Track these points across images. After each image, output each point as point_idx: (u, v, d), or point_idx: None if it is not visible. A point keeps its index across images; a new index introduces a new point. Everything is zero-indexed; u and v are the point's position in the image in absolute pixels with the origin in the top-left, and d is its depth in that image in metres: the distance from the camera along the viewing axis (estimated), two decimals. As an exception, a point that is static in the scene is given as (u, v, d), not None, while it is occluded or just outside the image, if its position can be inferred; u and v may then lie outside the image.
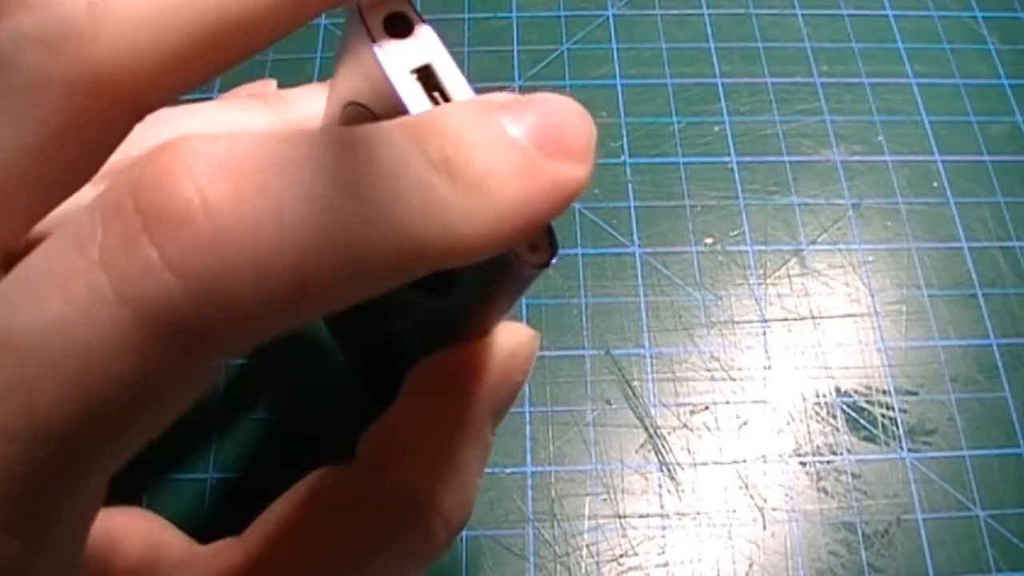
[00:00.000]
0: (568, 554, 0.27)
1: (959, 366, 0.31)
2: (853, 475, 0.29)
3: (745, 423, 0.29)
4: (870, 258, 0.33)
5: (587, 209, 0.33)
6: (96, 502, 0.12)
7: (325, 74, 0.30)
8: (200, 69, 0.13)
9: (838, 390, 0.30)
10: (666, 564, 0.27)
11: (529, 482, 0.28)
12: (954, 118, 0.36)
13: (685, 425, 0.29)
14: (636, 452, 0.29)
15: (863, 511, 0.28)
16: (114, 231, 0.10)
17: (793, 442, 0.29)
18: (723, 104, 0.36)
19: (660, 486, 0.28)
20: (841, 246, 0.33)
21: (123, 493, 0.17)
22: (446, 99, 0.14)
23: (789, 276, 0.32)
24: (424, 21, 0.14)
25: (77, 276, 0.10)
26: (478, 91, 0.14)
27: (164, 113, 0.13)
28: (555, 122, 0.12)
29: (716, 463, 0.29)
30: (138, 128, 0.12)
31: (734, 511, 0.28)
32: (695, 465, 0.29)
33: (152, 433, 0.11)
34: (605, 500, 0.28)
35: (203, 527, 0.22)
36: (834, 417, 0.30)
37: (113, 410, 0.10)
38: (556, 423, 0.29)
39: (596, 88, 0.36)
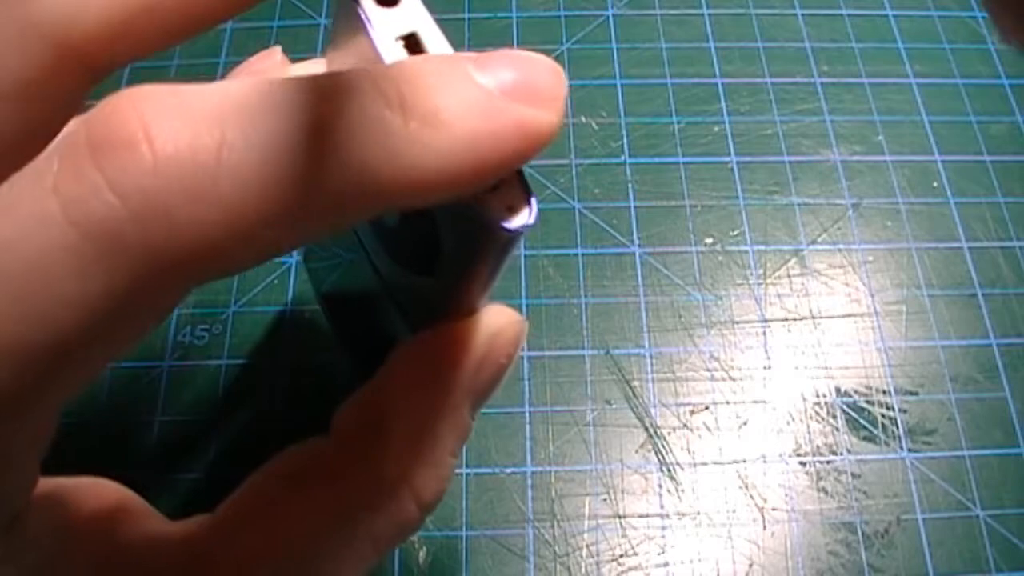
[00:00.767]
0: (568, 554, 0.27)
1: (959, 366, 0.30)
2: (853, 475, 0.29)
3: (745, 423, 0.29)
4: (870, 258, 0.33)
5: (587, 209, 0.33)
6: (45, 432, 0.12)
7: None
8: (154, 31, 0.13)
9: (838, 390, 0.30)
10: (666, 564, 0.27)
11: (529, 482, 0.28)
12: (954, 118, 0.36)
13: (685, 425, 0.29)
14: (636, 452, 0.29)
15: (863, 511, 0.28)
16: (67, 163, 0.11)
17: (793, 442, 0.29)
18: (723, 104, 0.36)
19: (660, 486, 0.28)
20: (841, 246, 0.33)
21: (123, 493, 0.17)
22: None
23: (789, 276, 0.32)
24: None
25: (28, 200, 0.10)
26: None
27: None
28: (524, 73, 0.12)
29: (716, 463, 0.29)
30: None
31: (734, 511, 0.28)
32: (695, 465, 0.29)
33: (103, 360, 0.12)
34: (605, 500, 0.28)
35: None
36: (834, 417, 0.30)
37: (63, 329, 0.10)
38: (556, 423, 0.29)
39: (596, 88, 0.36)
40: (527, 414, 0.29)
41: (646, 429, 0.29)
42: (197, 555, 0.15)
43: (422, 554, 0.27)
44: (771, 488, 0.28)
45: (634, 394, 0.30)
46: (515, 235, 0.14)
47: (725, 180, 0.34)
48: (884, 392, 0.30)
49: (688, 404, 0.29)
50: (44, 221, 0.10)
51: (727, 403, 0.30)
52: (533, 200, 0.14)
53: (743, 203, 0.34)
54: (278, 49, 0.19)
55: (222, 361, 0.29)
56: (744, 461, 0.29)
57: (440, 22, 0.14)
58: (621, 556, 0.27)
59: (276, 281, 0.31)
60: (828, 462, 0.29)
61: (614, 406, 0.29)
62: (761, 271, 0.32)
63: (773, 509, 0.28)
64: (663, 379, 0.30)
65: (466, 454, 0.28)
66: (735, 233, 0.33)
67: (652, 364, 0.30)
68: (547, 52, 0.37)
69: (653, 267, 0.32)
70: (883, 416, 0.30)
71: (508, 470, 0.28)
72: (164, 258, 0.11)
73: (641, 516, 0.28)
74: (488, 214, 0.13)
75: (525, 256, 0.32)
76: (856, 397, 0.30)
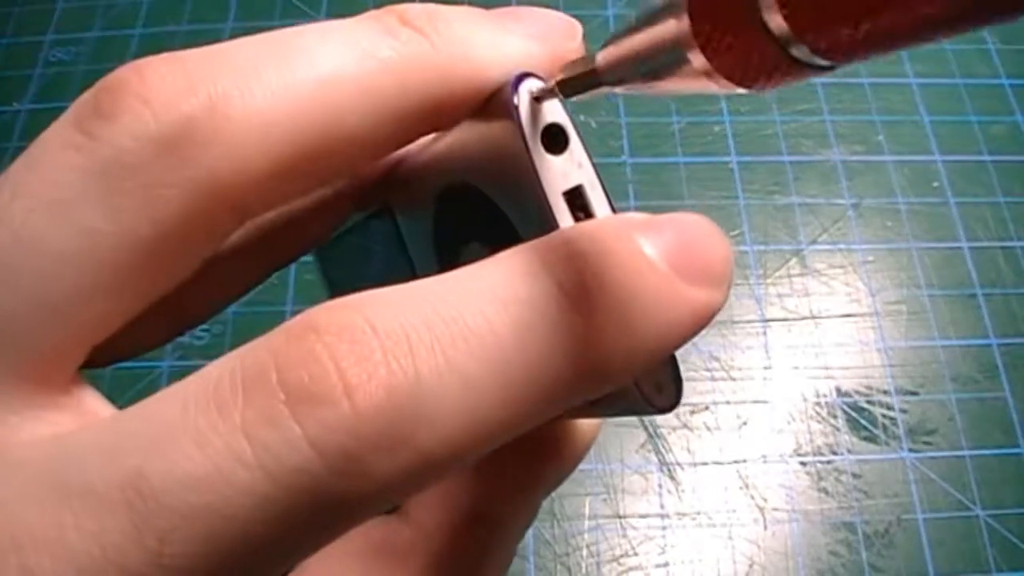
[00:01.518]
0: (568, 554, 0.27)
1: (959, 366, 0.30)
2: (853, 475, 0.29)
3: (745, 423, 0.29)
4: (870, 258, 0.33)
5: (587, 209, 0.33)
6: None
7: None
8: (305, 181, 0.13)
9: (838, 390, 0.30)
10: (666, 564, 0.27)
11: (529, 482, 0.28)
12: (954, 118, 0.36)
13: (685, 425, 0.29)
14: (636, 452, 0.29)
15: (863, 511, 0.28)
16: (256, 402, 0.10)
17: (793, 442, 0.29)
18: (723, 104, 0.36)
19: (660, 486, 0.28)
20: (841, 246, 0.33)
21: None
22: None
23: (789, 276, 0.32)
24: (578, 132, 0.13)
25: (217, 437, 0.10)
26: None
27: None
28: (694, 243, 0.12)
29: (716, 463, 0.29)
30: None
31: (734, 511, 0.28)
32: (695, 465, 0.29)
33: None
34: (605, 500, 0.28)
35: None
36: (834, 417, 0.30)
37: (240, 567, 0.10)
38: (556, 423, 0.29)
39: (596, 88, 0.36)
40: (527, 414, 0.29)
41: (646, 429, 0.29)
42: None
43: (422, 554, 0.27)
44: (771, 488, 0.28)
45: (634, 394, 0.30)
46: (659, 413, 0.14)
47: (725, 180, 0.34)
48: (884, 392, 0.30)
49: (688, 404, 0.29)
50: (238, 464, 0.10)
51: (727, 403, 0.30)
52: (681, 382, 0.13)
53: (743, 203, 0.34)
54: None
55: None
56: (744, 461, 0.29)
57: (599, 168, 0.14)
58: (621, 556, 0.27)
59: (276, 281, 0.31)
60: (828, 462, 0.29)
61: (614, 406, 0.29)
62: (761, 271, 0.32)
63: (773, 509, 0.28)
64: (663, 379, 0.30)
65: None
66: (735, 233, 0.33)
67: (652, 364, 0.30)
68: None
69: (653, 267, 0.32)
70: (883, 416, 0.30)
71: (508, 470, 0.28)
72: (355, 503, 0.11)
73: (641, 516, 0.28)
74: (640, 393, 0.13)
75: (525, 256, 0.32)
76: (856, 397, 0.30)
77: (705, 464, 0.29)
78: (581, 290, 0.11)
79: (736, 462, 0.29)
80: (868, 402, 0.30)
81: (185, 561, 0.10)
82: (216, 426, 0.10)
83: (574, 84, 0.12)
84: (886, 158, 0.35)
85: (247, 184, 0.12)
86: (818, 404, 0.30)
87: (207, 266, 0.12)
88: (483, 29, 0.13)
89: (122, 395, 0.29)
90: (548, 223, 0.13)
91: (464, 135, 0.15)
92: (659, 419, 0.29)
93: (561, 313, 0.11)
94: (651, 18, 0.10)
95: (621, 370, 0.11)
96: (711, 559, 0.27)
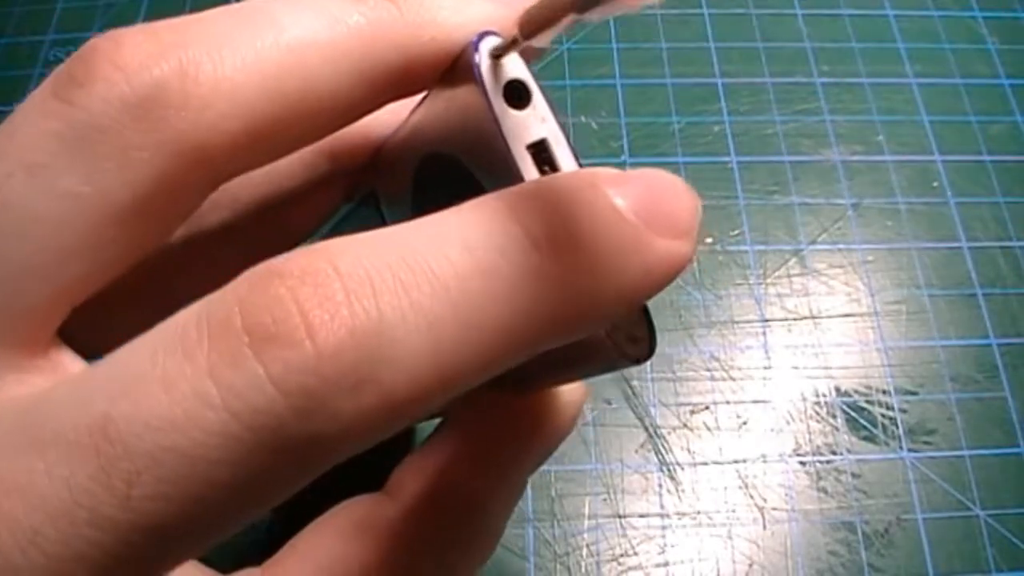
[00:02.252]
0: (568, 554, 0.27)
1: (959, 366, 0.30)
2: (853, 475, 0.29)
3: (745, 423, 0.29)
4: (870, 258, 0.33)
5: (587, 209, 0.33)
6: None
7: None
8: (276, 145, 0.13)
9: (838, 390, 0.30)
10: (666, 564, 0.27)
11: (529, 482, 0.28)
12: (954, 118, 0.36)
13: (685, 425, 0.29)
14: (636, 452, 0.29)
15: (863, 511, 0.28)
16: (221, 345, 0.10)
17: (793, 442, 0.29)
18: (723, 104, 0.36)
19: (660, 486, 0.28)
20: (841, 246, 0.33)
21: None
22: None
23: (789, 276, 0.32)
24: (540, 88, 0.14)
25: (183, 380, 0.10)
26: None
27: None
28: (661, 196, 0.12)
29: (716, 463, 0.29)
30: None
31: (734, 511, 0.28)
32: (695, 465, 0.29)
33: (237, 529, 0.11)
34: (605, 500, 0.28)
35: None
36: (834, 417, 0.30)
37: (208, 510, 0.10)
38: (556, 423, 0.29)
39: (596, 88, 0.36)
40: (527, 414, 0.29)
41: (646, 429, 0.29)
42: None
43: (422, 554, 0.27)
44: (771, 488, 0.28)
45: (634, 394, 0.30)
46: (635, 365, 0.14)
47: (725, 180, 0.34)
48: (884, 392, 0.30)
49: (688, 404, 0.29)
50: (204, 406, 0.10)
51: (727, 403, 0.30)
52: (654, 333, 0.14)
53: (743, 203, 0.34)
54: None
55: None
56: (744, 461, 0.29)
57: (565, 125, 0.14)
58: (621, 556, 0.27)
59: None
60: (828, 462, 0.29)
61: (614, 406, 0.29)
62: (761, 271, 0.32)
63: (773, 509, 0.28)
64: (663, 379, 0.30)
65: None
66: (735, 233, 0.33)
67: (652, 364, 0.30)
68: (547, 52, 0.37)
69: (653, 267, 0.32)
70: (883, 416, 0.30)
71: (508, 470, 0.28)
72: (321, 444, 0.11)
73: (641, 516, 0.28)
74: (613, 344, 0.13)
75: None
76: (856, 397, 0.30)
77: (705, 464, 0.29)
78: (548, 237, 0.11)
79: (736, 462, 0.29)
80: (868, 402, 0.30)
81: (153, 503, 0.10)
82: (182, 370, 0.10)
83: (536, 21, 0.12)
84: (886, 158, 0.35)
85: (219, 146, 0.12)
86: (818, 404, 0.30)
87: (198, 258, 0.12)
88: None
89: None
90: (513, 176, 0.13)
91: (433, 105, 0.15)
92: (659, 419, 0.29)
93: (527, 258, 0.11)
94: None
95: (589, 316, 0.11)
96: (711, 559, 0.27)
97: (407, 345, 0.11)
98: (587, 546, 0.27)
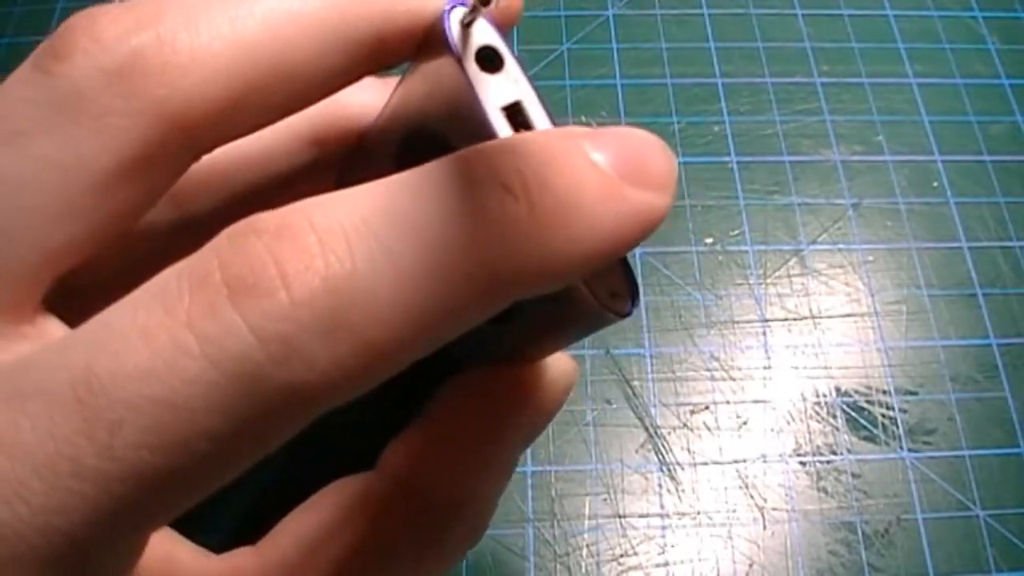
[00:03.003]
0: (568, 554, 0.27)
1: (959, 366, 0.31)
2: (853, 475, 0.29)
3: (745, 423, 0.29)
4: (870, 258, 0.33)
5: (587, 209, 0.33)
6: (144, 544, 0.13)
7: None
8: (254, 115, 0.13)
9: (838, 390, 0.30)
10: (666, 564, 0.27)
11: (529, 482, 0.28)
12: (954, 118, 0.36)
13: (685, 425, 0.29)
14: (636, 452, 0.29)
15: (863, 511, 0.28)
16: (200, 298, 0.11)
17: (793, 442, 0.29)
18: (723, 104, 0.36)
19: (660, 486, 0.28)
20: (841, 246, 0.33)
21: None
22: None
23: (789, 276, 0.32)
24: (512, 54, 0.14)
25: (163, 331, 0.11)
26: None
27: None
28: (637, 151, 0.12)
29: (716, 463, 0.29)
30: None
31: (734, 511, 0.28)
32: (695, 465, 0.29)
33: (220, 484, 0.12)
34: (605, 500, 0.28)
35: (216, 538, 0.21)
36: (834, 417, 0.30)
37: (190, 461, 0.11)
38: (556, 423, 0.29)
39: (596, 88, 0.36)
40: (527, 414, 0.29)
41: (646, 429, 0.29)
42: None
43: (422, 554, 0.27)
44: (771, 488, 0.28)
45: (634, 394, 0.30)
46: (617, 320, 0.14)
47: (725, 180, 0.34)
48: (884, 392, 0.30)
49: (688, 404, 0.29)
50: (183, 355, 0.10)
51: (727, 403, 0.30)
52: (636, 286, 0.14)
53: (743, 203, 0.34)
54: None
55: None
56: (744, 461, 0.29)
57: (539, 89, 0.14)
58: (621, 556, 0.27)
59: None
60: (828, 462, 0.29)
61: (614, 406, 0.29)
62: (761, 271, 0.32)
63: (773, 509, 0.28)
64: (663, 379, 0.30)
65: (466, 454, 0.28)
66: (735, 233, 0.33)
67: (652, 364, 0.30)
68: (547, 52, 0.37)
69: (653, 267, 0.32)
70: (883, 416, 0.30)
71: (508, 470, 0.28)
72: (300, 393, 0.11)
73: (641, 516, 0.28)
74: (595, 299, 0.13)
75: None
76: (856, 397, 0.30)
77: (705, 464, 0.29)
78: (522, 187, 0.11)
79: (736, 462, 0.29)
80: (868, 402, 0.30)
81: (136, 452, 0.10)
82: (162, 322, 0.11)
83: None
84: (886, 158, 0.35)
85: (197, 114, 0.12)
86: (818, 404, 0.30)
87: (187, 245, 0.13)
88: None
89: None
90: (490, 138, 0.13)
91: (411, 82, 0.15)
92: (659, 419, 0.29)
93: (501, 206, 0.11)
94: None
95: (563, 265, 0.12)
96: (711, 559, 0.27)
97: (379, 293, 0.11)
98: (587, 546, 0.27)
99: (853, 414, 0.30)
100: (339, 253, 0.11)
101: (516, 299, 0.12)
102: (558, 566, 0.27)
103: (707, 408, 0.29)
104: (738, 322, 0.31)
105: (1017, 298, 0.32)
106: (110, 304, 0.12)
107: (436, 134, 0.14)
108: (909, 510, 0.28)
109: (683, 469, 0.28)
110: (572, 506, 0.28)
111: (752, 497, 0.28)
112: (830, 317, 0.31)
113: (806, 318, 0.31)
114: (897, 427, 0.29)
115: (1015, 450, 0.29)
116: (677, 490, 0.28)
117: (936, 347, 0.31)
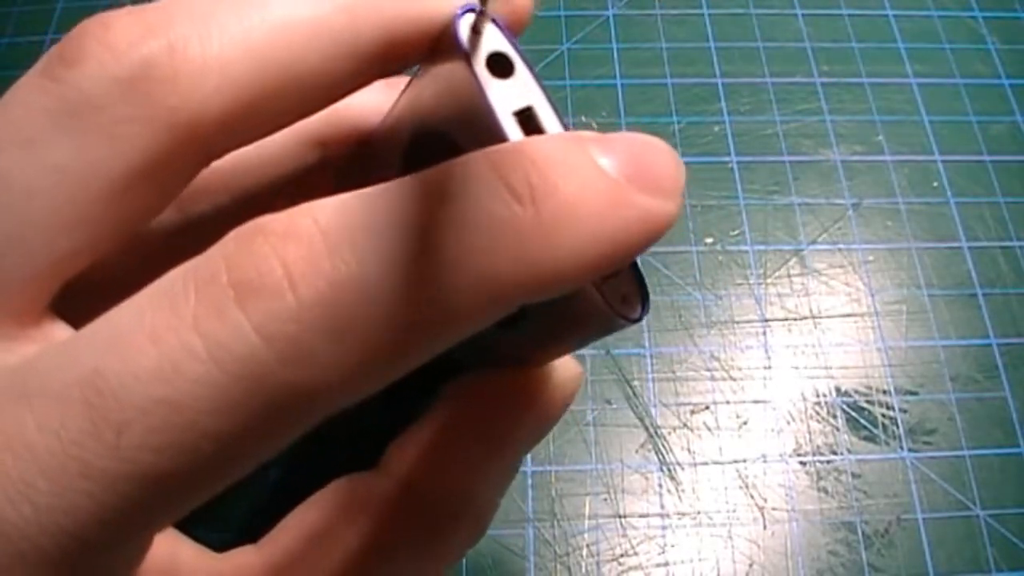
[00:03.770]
0: (568, 554, 0.27)
1: (959, 366, 0.31)
2: (853, 475, 0.29)
3: (745, 423, 0.29)
4: (870, 258, 0.33)
5: (587, 209, 0.33)
6: (149, 544, 0.13)
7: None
8: (265, 121, 0.13)
9: (838, 390, 0.30)
10: (666, 564, 0.27)
11: (529, 482, 0.28)
12: (954, 118, 0.36)
13: (685, 425, 0.29)
14: (636, 452, 0.29)
15: (863, 511, 0.28)
16: (207, 300, 0.11)
17: (793, 442, 0.29)
18: (723, 104, 0.36)
19: (660, 486, 0.28)
20: (841, 246, 0.33)
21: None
22: None
23: (789, 276, 0.32)
24: (524, 59, 0.14)
25: (170, 333, 0.11)
26: None
27: None
28: (645, 156, 0.12)
29: (716, 463, 0.29)
30: None
31: (734, 511, 0.28)
32: (695, 465, 0.29)
33: (226, 484, 0.12)
34: (605, 500, 0.28)
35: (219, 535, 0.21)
36: (834, 417, 0.30)
37: (197, 460, 0.11)
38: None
39: (596, 88, 0.36)
40: (527, 414, 0.29)
41: (646, 429, 0.29)
42: None
43: (422, 554, 0.27)
44: (771, 488, 0.28)
45: (634, 394, 0.30)
46: (629, 324, 0.14)
47: (725, 180, 0.34)
48: (884, 392, 0.30)
49: (688, 404, 0.29)
50: (190, 357, 0.10)
51: (727, 403, 0.30)
52: (647, 291, 0.14)
53: (743, 203, 0.34)
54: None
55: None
56: (744, 461, 0.29)
57: (550, 92, 0.14)
58: (621, 556, 0.27)
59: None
60: (828, 462, 0.29)
61: (614, 406, 0.29)
62: (761, 271, 0.32)
63: (773, 509, 0.28)
64: (663, 379, 0.30)
65: (466, 454, 0.28)
66: (735, 233, 0.33)
67: (652, 364, 0.30)
68: (547, 52, 0.37)
69: (653, 267, 0.32)
70: (883, 416, 0.30)
71: (508, 470, 0.28)
72: (305, 395, 0.11)
73: (641, 516, 0.28)
74: (605, 303, 0.13)
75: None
76: (856, 397, 0.30)
77: (705, 464, 0.29)
78: (530, 191, 0.11)
79: (736, 462, 0.29)
80: (868, 402, 0.30)
81: (143, 453, 0.10)
82: (170, 323, 0.11)
83: None
84: (886, 158, 0.35)
85: (208, 121, 0.12)
86: (818, 404, 0.30)
87: (191, 247, 0.13)
88: None
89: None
90: (499, 141, 0.13)
91: (419, 86, 0.15)
92: (659, 419, 0.29)
93: (509, 210, 0.11)
94: None
95: (570, 270, 0.12)
96: (711, 559, 0.27)
97: (386, 295, 0.11)
98: (587, 546, 0.27)
99: (853, 414, 0.30)
100: (346, 255, 0.11)
101: (522, 303, 0.12)
102: (558, 566, 0.27)
103: (707, 408, 0.29)
104: (738, 322, 0.31)
105: (1017, 298, 0.32)
106: (114, 304, 0.12)
107: (445, 137, 0.14)
108: (909, 510, 0.28)
109: (683, 469, 0.28)
110: (572, 506, 0.28)
111: (752, 497, 0.28)
112: (830, 317, 0.31)
113: (806, 318, 0.31)
114: (897, 427, 0.29)
115: (1015, 450, 0.29)
116: (677, 490, 0.28)
117: (936, 347, 0.31)
